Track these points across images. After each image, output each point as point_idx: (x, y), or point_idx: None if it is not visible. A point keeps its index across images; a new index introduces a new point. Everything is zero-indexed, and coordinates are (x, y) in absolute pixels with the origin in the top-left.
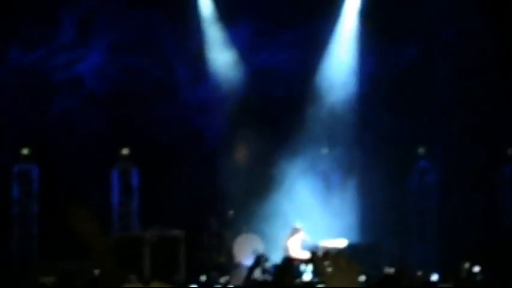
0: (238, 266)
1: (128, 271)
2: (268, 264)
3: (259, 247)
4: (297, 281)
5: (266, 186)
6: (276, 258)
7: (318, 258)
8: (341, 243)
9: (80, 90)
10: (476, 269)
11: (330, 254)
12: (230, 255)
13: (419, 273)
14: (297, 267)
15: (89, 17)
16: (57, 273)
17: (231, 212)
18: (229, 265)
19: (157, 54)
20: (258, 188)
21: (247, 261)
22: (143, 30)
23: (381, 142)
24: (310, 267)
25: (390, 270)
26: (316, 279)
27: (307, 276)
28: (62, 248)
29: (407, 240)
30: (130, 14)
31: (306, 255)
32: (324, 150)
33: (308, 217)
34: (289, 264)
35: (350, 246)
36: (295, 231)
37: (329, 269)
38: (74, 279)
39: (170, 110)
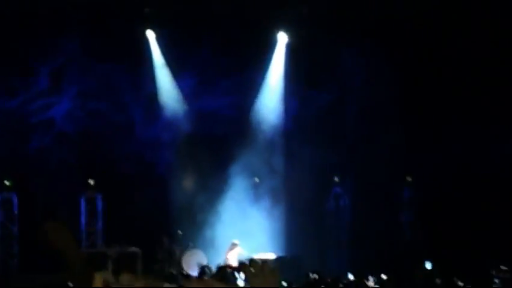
0: (185, 276)
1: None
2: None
3: (203, 260)
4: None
5: (209, 209)
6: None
7: (246, 266)
8: (270, 256)
9: (53, 130)
10: (384, 277)
11: (256, 262)
12: (180, 268)
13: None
14: (232, 274)
15: (60, 70)
16: (35, 285)
17: (179, 232)
18: (179, 275)
19: (116, 99)
20: (202, 210)
21: (194, 272)
22: (105, 80)
23: (303, 171)
24: (242, 274)
25: (314, 275)
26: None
27: (240, 282)
28: (39, 264)
29: (325, 252)
30: (94, 66)
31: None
32: (257, 179)
33: (243, 234)
34: (223, 272)
35: (277, 259)
36: (233, 246)
37: (254, 274)
38: None
39: (128, 146)
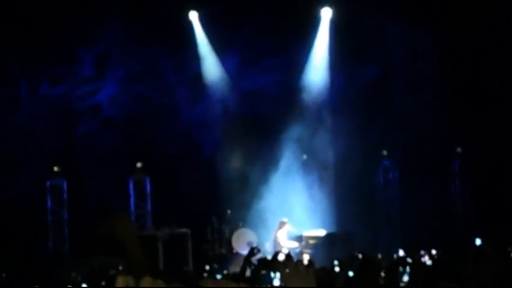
0: (236, 255)
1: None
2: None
3: (253, 239)
4: (268, 286)
5: (257, 187)
6: (267, 248)
7: (280, 266)
8: (321, 232)
9: (99, 115)
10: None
11: (291, 261)
12: (229, 247)
13: (380, 256)
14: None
15: (104, 55)
16: (86, 269)
17: (229, 211)
18: (229, 255)
19: (161, 82)
20: (250, 189)
21: (244, 251)
22: (149, 63)
23: (351, 146)
24: (278, 274)
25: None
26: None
27: (276, 282)
28: (89, 247)
29: (376, 227)
30: (137, 50)
31: (293, 244)
32: (305, 156)
33: (293, 212)
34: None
35: (327, 235)
36: (282, 224)
37: (289, 274)
38: (99, 274)
39: (174, 128)
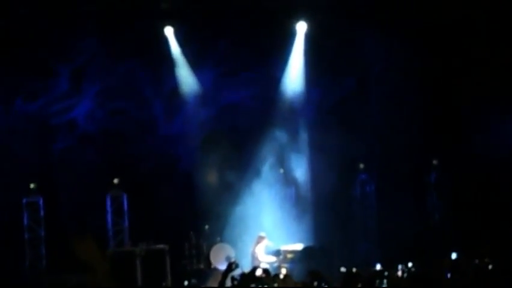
0: (214, 270)
1: (124, 280)
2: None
3: (231, 254)
4: None
5: (235, 202)
6: (245, 263)
7: (269, 279)
8: (298, 246)
9: (75, 131)
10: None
11: (278, 277)
12: (208, 262)
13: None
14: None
15: (80, 70)
16: (63, 286)
17: (206, 226)
18: (207, 270)
19: (137, 97)
20: (228, 204)
21: (222, 266)
22: (125, 78)
23: (328, 159)
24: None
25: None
26: None
27: None
28: (66, 265)
29: (353, 240)
30: (114, 65)
31: (271, 259)
32: (282, 170)
33: (270, 226)
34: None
35: (305, 249)
36: (260, 239)
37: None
38: None
39: (151, 143)
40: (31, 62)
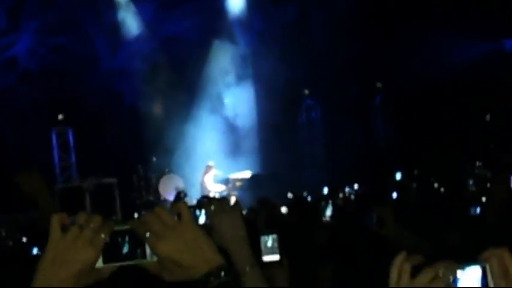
0: (164, 202)
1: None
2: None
3: (180, 184)
4: None
5: (181, 133)
6: (194, 192)
7: (205, 203)
8: (246, 174)
9: (16, 69)
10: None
11: (215, 199)
12: (157, 194)
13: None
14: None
15: (17, 6)
16: (9, 224)
17: (154, 158)
18: (157, 202)
19: (79, 32)
20: (174, 135)
21: (171, 197)
22: (64, 13)
23: (273, 87)
24: (203, 211)
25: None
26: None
27: (202, 219)
28: (14, 204)
29: (300, 166)
30: (52, 0)
31: (220, 187)
32: (227, 100)
33: (217, 155)
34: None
35: (253, 177)
36: (208, 168)
37: (215, 211)
38: (25, 228)
39: (94, 78)
40: None
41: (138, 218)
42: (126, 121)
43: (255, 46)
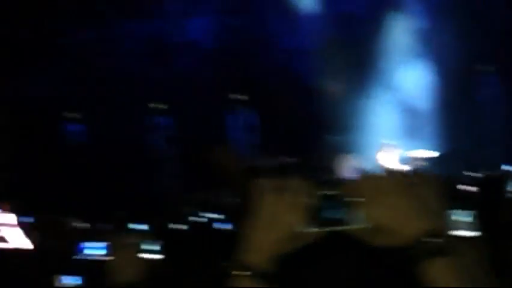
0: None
1: None
2: None
3: (360, 164)
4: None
5: (358, 111)
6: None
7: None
8: (426, 153)
9: (195, 50)
10: None
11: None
12: (337, 173)
13: None
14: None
15: None
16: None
17: (333, 137)
18: (337, 181)
19: (256, 12)
20: (351, 114)
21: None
22: None
23: (450, 63)
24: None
25: None
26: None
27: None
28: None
29: (481, 143)
30: None
31: (400, 166)
32: (403, 77)
33: (395, 134)
34: None
35: (434, 155)
36: (387, 147)
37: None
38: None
39: (273, 58)
40: None
41: (347, 183)
42: (304, 100)
43: (432, 20)
